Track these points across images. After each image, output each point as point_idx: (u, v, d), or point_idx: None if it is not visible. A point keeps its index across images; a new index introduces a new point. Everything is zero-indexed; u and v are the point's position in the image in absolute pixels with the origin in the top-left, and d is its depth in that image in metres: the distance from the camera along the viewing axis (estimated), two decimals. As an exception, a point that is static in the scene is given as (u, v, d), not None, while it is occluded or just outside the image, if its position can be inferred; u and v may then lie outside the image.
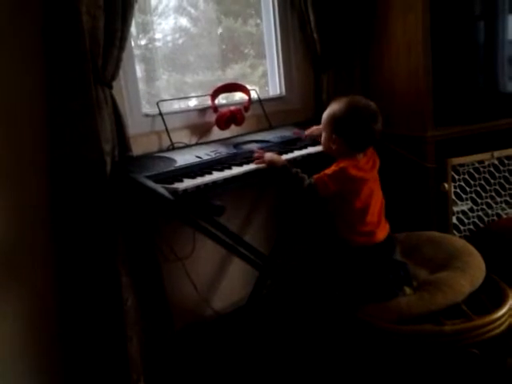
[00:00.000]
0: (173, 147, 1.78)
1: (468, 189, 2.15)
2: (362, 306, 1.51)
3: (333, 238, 1.62)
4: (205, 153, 1.68)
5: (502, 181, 2.19)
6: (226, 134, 1.95)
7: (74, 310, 1.56)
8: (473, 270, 1.55)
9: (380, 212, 1.57)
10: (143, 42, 2.03)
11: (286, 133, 1.98)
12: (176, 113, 1.91)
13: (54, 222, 1.53)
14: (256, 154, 1.60)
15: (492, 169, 2.16)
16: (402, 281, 1.51)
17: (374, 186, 1.56)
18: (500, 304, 1.47)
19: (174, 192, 1.34)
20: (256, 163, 1.57)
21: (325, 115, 1.57)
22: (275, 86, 2.29)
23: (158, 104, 1.77)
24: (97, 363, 1.58)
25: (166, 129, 1.76)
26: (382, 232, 1.56)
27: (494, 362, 1.58)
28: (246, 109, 1.97)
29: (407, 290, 1.50)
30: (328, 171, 1.50)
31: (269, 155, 1.56)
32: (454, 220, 2.14)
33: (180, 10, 2.14)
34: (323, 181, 1.47)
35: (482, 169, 2.15)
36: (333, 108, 1.54)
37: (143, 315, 1.62)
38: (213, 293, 2.06)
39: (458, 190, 2.13)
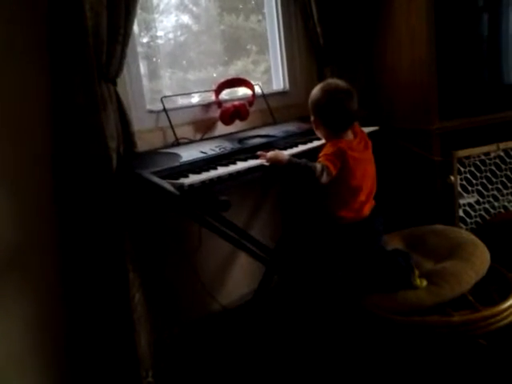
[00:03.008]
0: (177, 143, 1.78)
1: (474, 181, 2.14)
2: (368, 296, 1.51)
3: (323, 215, 1.67)
4: (210, 148, 1.67)
5: (508, 173, 2.18)
6: (231, 129, 1.95)
7: (82, 307, 1.57)
8: (477, 260, 1.56)
9: (370, 192, 1.63)
10: (145, 40, 2.03)
11: (291, 127, 1.98)
12: (180, 109, 1.92)
13: (59, 218, 1.54)
14: (258, 153, 1.61)
15: (498, 161, 2.15)
16: (406, 267, 1.52)
17: (368, 166, 1.61)
18: (507, 295, 1.47)
19: (180, 187, 1.34)
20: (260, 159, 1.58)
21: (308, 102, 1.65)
22: (279, 81, 2.29)
23: (162, 100, 1.77)
24: (105, 359, 1.58)
25: (171, 124, 1.76)
26: (367, 207, 1.62)
27: (502, 353, 1.58)
28: (250, 104, 1.97)
29: (418, 280, 1.50)
30: (327, 152, 1.53)
31: (271, 153, 1.57)
32: (461, 213, 2.13)
33: (181, 7, 2.14)
34: (330, 159, 1.50)
35: (487, 161, 2.14)
36: (311, 94, 1.62)
37: (150, 311, 1.63)
38: (219, 287, 2.07)
39: (464, 183, 2.12)
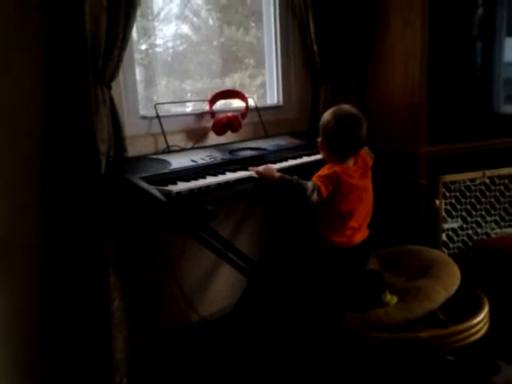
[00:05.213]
0: (168, 150, 1.78)
1: (459, 206, 2.16)
2: (341, 314, 1.52)
3: (312, 237, 1.67)
4: (200, 157, 1.68)
5: (492, 200, 2.21)
6: (222, 139, 1.96)
7: (60, 309, 1.55)
8: (447, 277, 1.59)
9: (364, 220, 1.63)
10: (144, 47, 2.04)
11: (282, 142, 2.00)
12: (173, 116, 1.93)
13: (45, 219, 1.53)
14: (250, 168, 1.62)
15: (483, 187, 2.18)
16: (379, 287, 1.54)
17: (365, 194, 1.61)
18: (476, 311, 1.49)
19: (168, 194, 1.34)
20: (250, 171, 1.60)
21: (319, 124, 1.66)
22: (273, 96, 2.31)
23: (155, 106, 1.78)
24: (80, 363, 1.56)
25: (163, 131, 1.77)
26: (360, 236, 1.61)
27: (471, 370, 1.59)
28: (243, 116, 1.98)
29: (388, 296, 1.52)
30: (321, 173, 1.54)
31: (263, 167, 1.59)
32: (444, 237, 2.15)
33: (182, 17, 2.16)
34: (322, 181, 1.51)
35: (473, 187, 2.17)
36: (322, 117, 1.63)
37: (129, 317, 1.61)
38: (200, 298, 2.05)
39: (449, 207, 2.14)
